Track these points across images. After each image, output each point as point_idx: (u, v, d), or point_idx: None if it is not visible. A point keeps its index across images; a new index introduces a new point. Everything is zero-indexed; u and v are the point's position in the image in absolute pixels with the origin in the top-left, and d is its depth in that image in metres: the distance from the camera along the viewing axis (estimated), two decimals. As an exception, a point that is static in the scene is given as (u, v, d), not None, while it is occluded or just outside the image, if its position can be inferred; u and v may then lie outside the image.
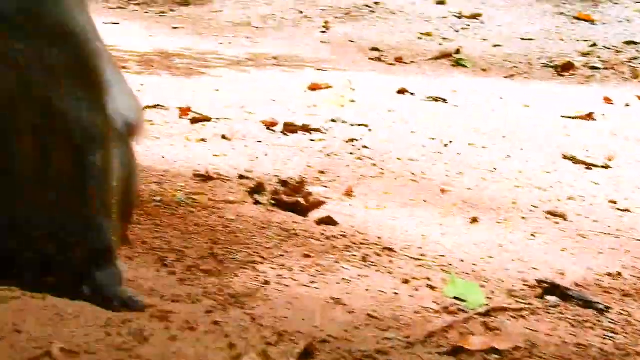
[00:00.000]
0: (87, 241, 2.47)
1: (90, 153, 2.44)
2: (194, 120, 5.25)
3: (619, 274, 3.35)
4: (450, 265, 3.24)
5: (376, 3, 9.89)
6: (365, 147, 4.98)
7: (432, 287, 2.98)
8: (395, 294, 2.88)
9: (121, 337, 2.24)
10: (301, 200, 3.60)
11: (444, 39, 9.00)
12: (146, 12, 10.02)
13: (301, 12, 9.80)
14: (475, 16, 9.51)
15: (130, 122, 2.61)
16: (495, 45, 8.94)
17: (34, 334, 2.21)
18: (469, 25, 9.33)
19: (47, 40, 2.35)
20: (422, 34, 9.14)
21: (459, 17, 9.42)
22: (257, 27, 9.62)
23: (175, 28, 9.36)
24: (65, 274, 2.53)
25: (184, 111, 5.30)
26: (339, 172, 4.44)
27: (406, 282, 3.00)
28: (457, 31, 9.17)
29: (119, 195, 2.57)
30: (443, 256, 3.34)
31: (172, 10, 10.15)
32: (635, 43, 8.89)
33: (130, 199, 2.72)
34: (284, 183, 3.75)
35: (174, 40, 8.65)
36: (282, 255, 3.10)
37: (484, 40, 9.09)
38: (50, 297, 2.46)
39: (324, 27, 9.47)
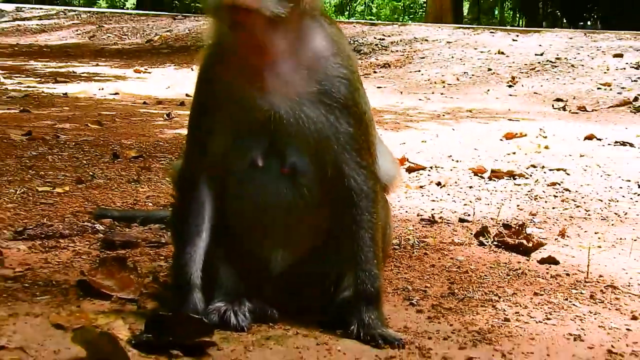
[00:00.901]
0: (359, 285, 2.42)
1: (366, 211, 2.40)
2: (410, 169, 5.19)
3: None
4: (674, 301, 3.02)
5: (557, 58, 9.63)
6: (567, 190, 4.80)
7: (660, 323, 2.78)
8: (628, 329, 2.69)
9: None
10: (524, 242, 3.46)
11: (622, 88, 8.65)
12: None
13: (489, 69, 9.65)
14: (651, 66, 9.12)
15: (390, 179, 2.57)
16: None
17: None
18: (645, 75, 8.94)
19: (339, 112, 2.35)
20: (601, 84, 8.82)
21: (637, 68, 9.04)
22: (451, 84, 9.53)
23: (379, 87, 9.37)
24: (334, 314, 2.48)
25: (401, 161, 5.25)
26: (548, 214, 4.28)
27: (635, 318, 2.80)
28: (634, 81, 8.79)
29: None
30: (664, 292, 3.12)
31: (374, 72, 10.19)
32: None
33: (385, 246, 2.66)
34: (506, 226, 3.61)
35: (380, 98, 8.65)
36: (515, 294, 2.97)
37: (661, 87, 8.68)
38: (321, 335, 2.43)
39: (511, 81, 9.29)
